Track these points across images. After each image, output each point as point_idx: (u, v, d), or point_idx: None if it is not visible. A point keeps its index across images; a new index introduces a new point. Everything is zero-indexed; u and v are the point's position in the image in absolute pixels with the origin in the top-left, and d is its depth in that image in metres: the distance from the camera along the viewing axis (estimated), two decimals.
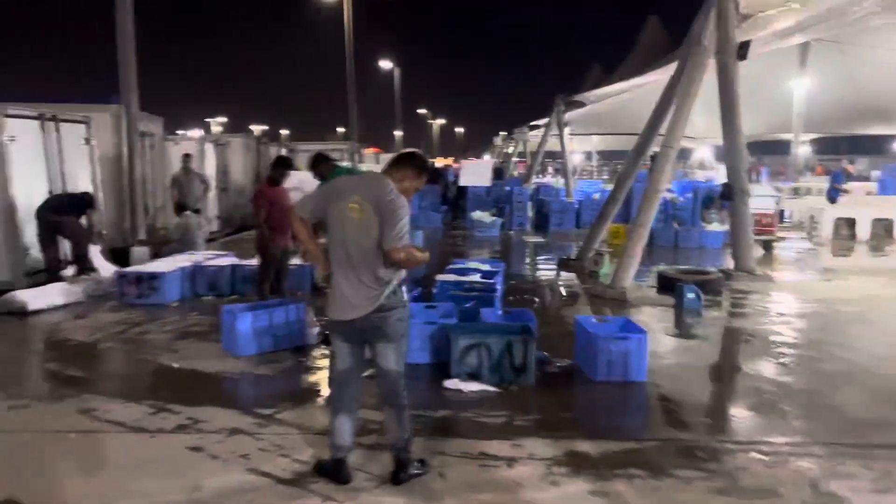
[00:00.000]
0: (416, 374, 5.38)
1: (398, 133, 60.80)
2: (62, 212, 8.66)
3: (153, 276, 8.08)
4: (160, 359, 5.94)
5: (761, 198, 13.64)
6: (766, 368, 5.80)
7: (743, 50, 9.06)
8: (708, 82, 9.06)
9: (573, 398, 5.19)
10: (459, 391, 5.07)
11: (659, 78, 12.30)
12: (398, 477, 3.63)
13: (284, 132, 63.03)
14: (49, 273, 8.78)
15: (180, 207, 10.64)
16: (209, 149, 14.95)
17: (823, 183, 19.52)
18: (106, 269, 9.02)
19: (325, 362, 5.59)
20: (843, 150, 42.33)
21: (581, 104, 20.16)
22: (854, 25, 11.06)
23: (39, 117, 9.41)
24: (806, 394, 5.22)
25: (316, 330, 6.27)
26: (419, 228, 15.09)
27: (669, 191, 15.64)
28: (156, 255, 10.51)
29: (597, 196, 18.27)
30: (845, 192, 16.15)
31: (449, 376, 5.22)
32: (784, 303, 8.53)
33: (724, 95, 9.10)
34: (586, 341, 5.56)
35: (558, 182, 25.04)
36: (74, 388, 5.19)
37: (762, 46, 10.68)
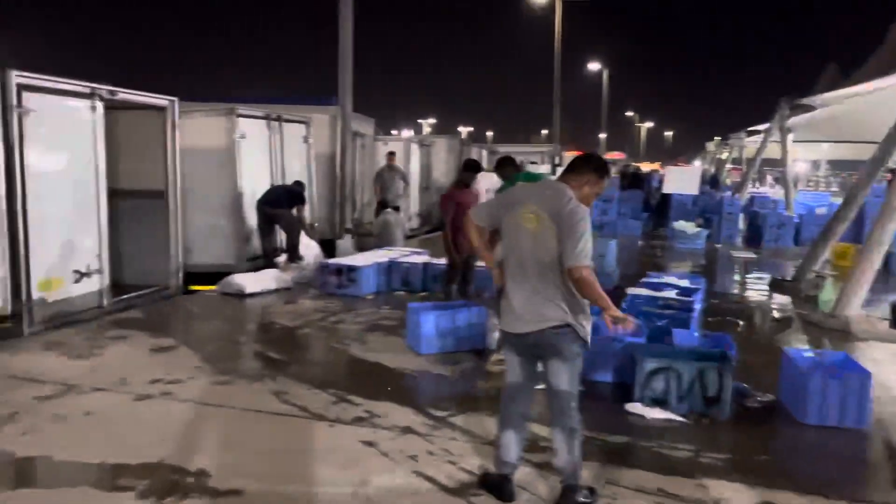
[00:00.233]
0: (595, 393, 5.11)
1: (602, 136, 59.46)
2: (278, 205, 9.44)
3: (352, 269, 8.52)
4: (350, 349, 6.21)
5: None
6: None
7: None
8: None
9: (774, 440, 4.59)
10: (642, 417, 4.70)
11: None
12: None
13: (490, 133, 64.43)
14: (266, 260, 9.63)
15: (382, 204, 11.17)
16: (414, 149, 15.57)
17: None
18: (315, 254, 9.72)
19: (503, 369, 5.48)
20: None
21: (809, 108, 18.14)
22: None
23: (266, 117, 10.36)
24: None
25: (497, 334, 6.19)
26: (615, 236, 14.54)
27: None
28: (360, 248, 11.15)
29: (822, 210, 16.37)
30: None
31: (631, 399, 4.86)
32: None
33: None
34: (795, 376, 4.90)
35: (777, 193, 22.85)
36: (272, 369, 5.57)
37: None
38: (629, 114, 79.59)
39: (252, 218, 9.70)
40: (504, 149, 19.41)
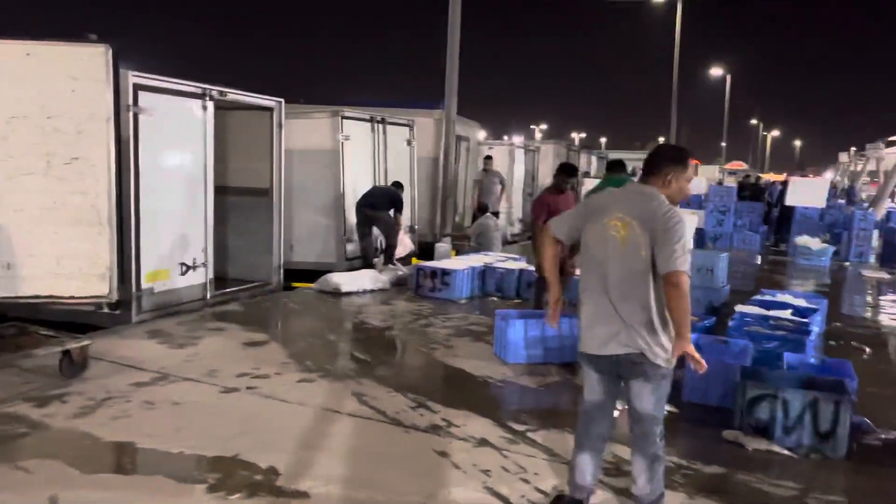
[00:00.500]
0: (691, 417, 4.75)
1: (723, 144, 56.67)
2: (378, 207, 9.52)
3: (446, 272, 8.44)
4: (435, 353, 6.11)
5: None
6: None
7: None
8: None
9: None
10: (741, 447, 4.29)
11: None
12: None
13: (603, 140, 63.05)
14: (364, 260, 9.74)
15: (481, 208, 11.06)
16: (518, 154, 15.36)
17: None
18: (409, 249, 9.77)
19: None
20: None
21: None
22: None
23: (370, 119, 10.50)
24: None
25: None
26: (730, 249, 13.72)
27: None
28: (458, 252, 11.08)
29: None
30: None
31: (731, 426, 4.45)
32: None
33: None
34: None
35: None
36: (356, 369, 5.56)
37: None
38: (753, 122, 75.43)
39: (353, 218, 9.84)
40: (615, 155, 18.80)
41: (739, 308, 6.63)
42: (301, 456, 3.90)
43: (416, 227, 11.61)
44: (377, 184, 10.40)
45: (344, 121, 9.81)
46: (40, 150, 5.35)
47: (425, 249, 11.35)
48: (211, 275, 7.57)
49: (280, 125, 8.53)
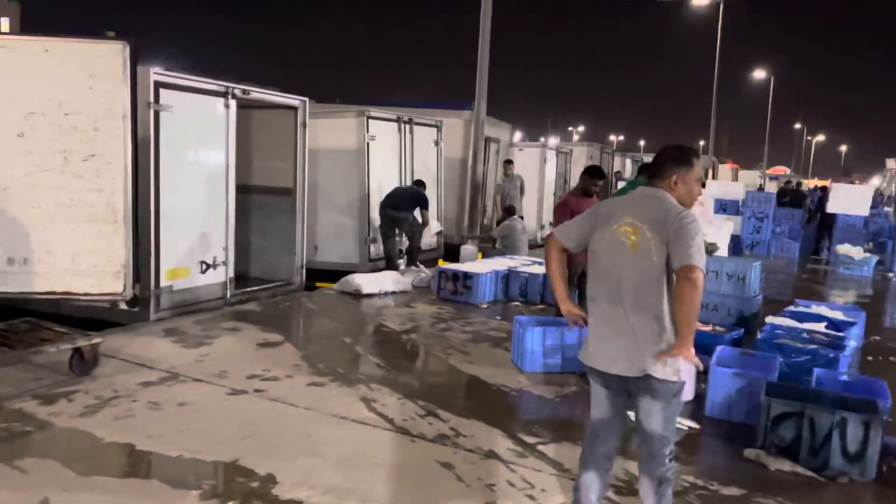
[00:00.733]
0: (711, 432, 4.55)
1: (766, 148, 55.38)
2: (401, 209, 9.41)
3: (468, 276, 8.29)
4: (450, 359, 5.97)
5: None
6: None
7: None
8: None
9: None
10: (763, 467, 4.06)
11: None
12: None
13: (642, 143, 62.16)
14: (387, 262, 9.65)
15: (508, 211, 10.89)
16: (550, 156, 15.12)
17: None
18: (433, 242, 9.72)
19: None
20: None
21: None
22: None
23: (397, 120, 10.41)
24: None
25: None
26: (768, 257, 13.31)
27: None
28: (484, 254, 10.92)
29: None
30: None
31: (752, 445, 4.22)
32: None
33: None
34: None
35: None
36: (368, 374, 5.45)
37: None
38: (797, 126, 73.59)
39: (376, 220, 9.75)
40: (649, 158, 18.43)
41: (770, 319, 6.36)
42: (301, 463, 3.80)
43: (441, 229, 11.49)
44: (403, 184, 10.30)
45: (370, 121, 9.74)
46: (57, 146, 5.36)
47: (452, 251, 11.23)
48: (231, 273, 7.55)
49: (304, 124, 8.48)
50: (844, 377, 5.05)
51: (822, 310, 6.95)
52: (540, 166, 14.60)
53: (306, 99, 8.52)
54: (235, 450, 3.89)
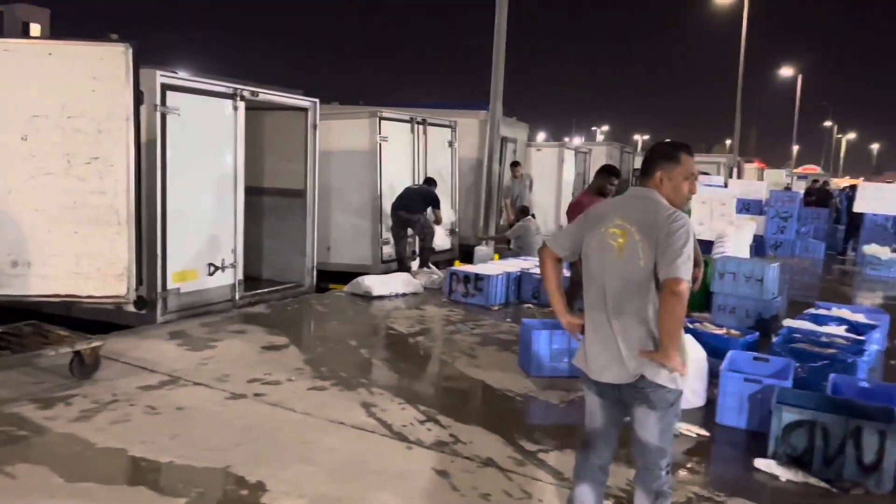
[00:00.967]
0: (721, 440, 4.39)
1: (795, 147, 54.48)
2: (412, 210, 9.32)
3: (479, 277, 8.18)
4: (456, 362, 5.86)
5: None
6: None
7: None
8: None
9: None
10: (774, 477, 3.90)
11: None
12: None
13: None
14: (399, 263, 9.57)
15: (523, 211, 10.74)
16: (568, 156, 14.95)
17: None
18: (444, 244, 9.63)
19: None
20: None
21: None
22: None
23: (410, 120, 10.33)
24: None
25: None
26: (792, 257, 13.00)
27: None
28: (500, 255, 10.80)
29: None
30: None
31: (763, 454, 4.06)
32: None
33: None
34: None
35: None
36: (371, 377, 5.37)
37: None
38: (827, 124, 72.25)
39: (388, 221, 9.68)
40: None
41: (788, 322, 6.16)
42: (293, 471, 3.72)
43: (457, 229, 11.40)
44: (415, 185, 10.21)
45: (382, 122, 9.66)
46: (61, 149, 5.36)
47: (467, 252, 11.12)
48: (240, 276, 7.52)
49: (315, 126, 8.44)
50: (864, 383, 4.85)
51: (842, 312, 6.73)
52: (558, 166, 14.43)
53: (316, 100, 8.47)
54: (228, 456, 3.83)
